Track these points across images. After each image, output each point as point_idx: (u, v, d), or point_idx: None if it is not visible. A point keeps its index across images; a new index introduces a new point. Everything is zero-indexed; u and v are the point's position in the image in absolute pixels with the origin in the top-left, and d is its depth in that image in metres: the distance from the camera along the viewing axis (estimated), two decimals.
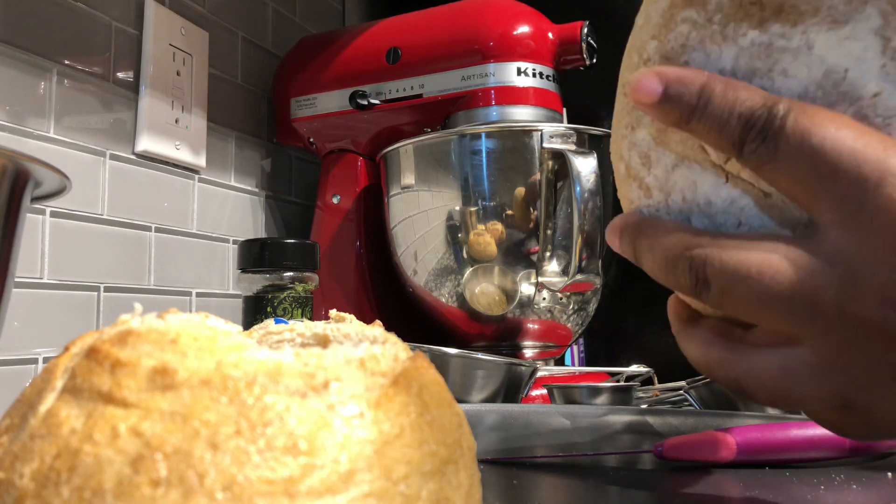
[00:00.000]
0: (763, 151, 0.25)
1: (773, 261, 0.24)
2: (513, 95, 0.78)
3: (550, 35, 0.80)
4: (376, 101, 0.84)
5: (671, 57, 0.27)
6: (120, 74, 0.74)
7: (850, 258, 0.23)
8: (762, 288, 0.24)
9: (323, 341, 0.25)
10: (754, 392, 0.26)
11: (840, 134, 0.23)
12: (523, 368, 0.62)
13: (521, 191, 0.73)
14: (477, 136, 0.75)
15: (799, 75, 0.25)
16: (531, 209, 0.73)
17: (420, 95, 0.82)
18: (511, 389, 0.62)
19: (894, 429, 0.26)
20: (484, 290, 0.76)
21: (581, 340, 0.99)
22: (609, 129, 0.83)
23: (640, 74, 0.27)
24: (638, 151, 0.29)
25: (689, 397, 0.63)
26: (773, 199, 0.26)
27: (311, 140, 0.93)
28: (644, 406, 0.63)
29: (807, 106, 0.24)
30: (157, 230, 0.77)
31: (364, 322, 0.26)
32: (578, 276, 0.67)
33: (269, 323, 0.27)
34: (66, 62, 0.68)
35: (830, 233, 0.24)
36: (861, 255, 0.23)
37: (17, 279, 0.48)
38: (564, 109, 0.83)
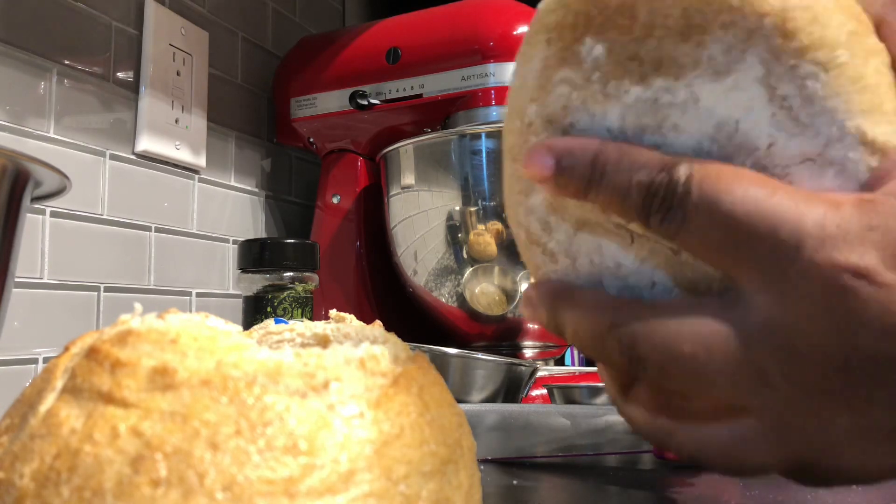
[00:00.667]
0: (670, 222, 0.23)
1: (706, 335, 0.23)
2: None
3: None
4: (376, 101, 0.84)
5: (554, 120, 0.26)
6: (120, 74, 0.74)
7: (785, 326, 0.22)
8: (699, 366, 0.23)
9: (323, 341, 0.25)
10: (709, 462, 0.25)
11: (749, 194, 0.22)
12: (523, 368, 0.62)
13: None
14: (477, 136, 0.75)
15: (690, 129, 0.24)
16: None
17: (420, 95, 0.82)
18: (511, 389, 0.62)
19: (856, 480, 0.25)
20: (484, 290, 0.76)
21: None
22: None
23: (529, 149, 0.26)
24: (536, 217, 0.28)
25: None
26: (684, 257, 0.25)
27: (311, 140, 0.93)
28: None
29: (707, 164, 0.23)
30: (157, 230, 0.77)
31: (364, 322, 0.26)
32: None
33: (269, 323, 0.27)
34: (66, 62, 0.68)
35: (757, 300, 0.22)
36: (794, 324, 0.22)
37: (17, 279, 0.48)
38: None
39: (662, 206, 0.23)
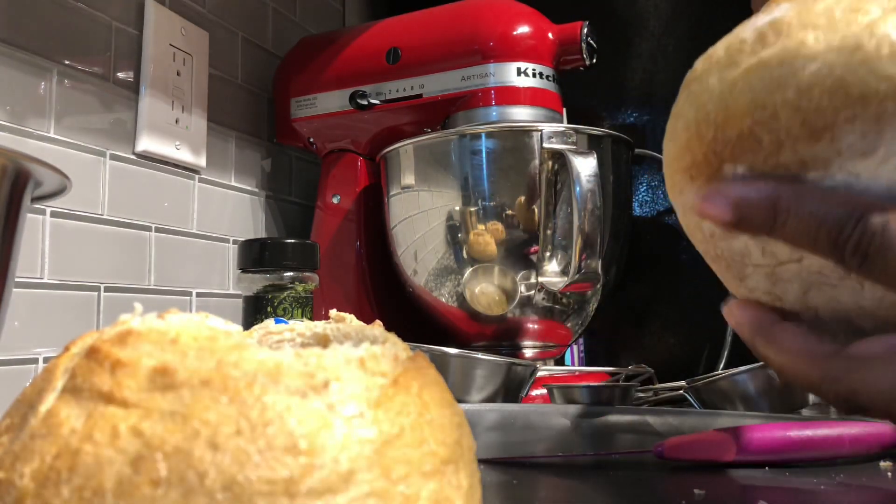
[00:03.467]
0: (867, 266, 0.23)
1: None
2: (513, 95, 0.78)
3: (550, 35, 0.80)
4: (376, 101, 0.84)
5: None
6: (120, 74, 0.74)
7: None
8: None
9: (323, 341, 0.25)
10: (873, 407, 0.25)
11: None
12: (523, 368, 0.62)
13: (521, 191, 0.73)
14: (477, 136, 0.75)
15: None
16: (531, 209, 0.73)
17: (420, 95, 0.82)
18: (511, 389, 0.62)
19: None
20: (484, 290, 0.76)
21: (581, 340, 0.99)
22: (608, 129, 0.83)
23: (703, 193, 0.26)
24: (761, 291, 0.28)
25: (689, 397, 0.63)
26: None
27: (311, 140, 0.93)
28: (644, 406, 0.63)
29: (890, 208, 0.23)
30: (158, 230, 0.77)
31: (364, 322, 0.26)
32: (578, 277, 0.67)
33: (269, 323, 0.27)
34: (66, 62, 0.68)
35: None
36: None
37: (17, 279, 0.48)
38: (564, 109, 0.83)
39: (857, 253, 0.23)
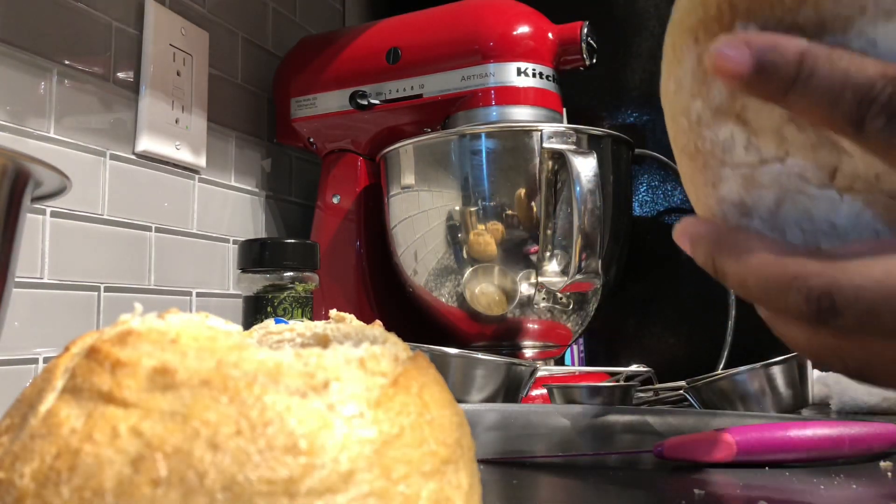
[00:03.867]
0: (890, 129, 0.21)
1: None
2: (513, 95, 0.78)
3: (550, 35, 0.80)
4: (376, 101, 0.84)
5: (723, 109, 0.26)
6: (120, 74, 0.74)
7: None
8: None
9: (323, 341, 0.25)
10: (877, 382, 0.23)
11: None
12: (523, 368, 0.62)
13: (521, 191, 0.73)
14: (477, 136, 0.75)
15: None
16: (531, 209, 0.73)
17: (420, 95, 0.82)
18: (511, 389, 0.62)
19: None
20: (484, 290, 0.76)
21: (581, 340, 0.99)
22: (608, 129, 0.83)
23: (721, 44, 0.24)
24: (730, 202, 0.26)
25: (689, 397, 0.63)
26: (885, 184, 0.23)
27: (311, 140, 0.93)
28: (644, 406, 0.63)
29: None
30: (158, 230, 0.77)
31: (364, 322, 0.26)
32: (578, 276, 0.67)
33: (269, 323, 0.27)
34: (66, 62, 0.68)
35: None
36: None
37: (17, 279, 0.48)
38: (564, 109, 0.83)
39: (884, 111, 0.21)
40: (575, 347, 0.98)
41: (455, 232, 0.76)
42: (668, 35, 0.28)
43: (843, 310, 0.22)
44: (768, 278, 0.24)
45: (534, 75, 0.79)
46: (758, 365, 0.60)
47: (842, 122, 0.22)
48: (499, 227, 0.74)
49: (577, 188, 0.66)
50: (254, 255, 0.60)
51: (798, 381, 0.60)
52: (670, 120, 0.29)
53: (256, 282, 0.60)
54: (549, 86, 0.80)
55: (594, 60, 0.81)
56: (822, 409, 0.68)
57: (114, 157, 0.72)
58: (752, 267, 0.24)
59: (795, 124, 0.25)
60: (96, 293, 0.70)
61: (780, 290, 0.23)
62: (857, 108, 0.22)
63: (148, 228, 0.75)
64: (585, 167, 0.67)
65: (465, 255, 0.76)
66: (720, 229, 0.26)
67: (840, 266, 0.22)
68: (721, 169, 0.27)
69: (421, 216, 0.78)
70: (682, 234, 0.27)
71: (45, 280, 0.65)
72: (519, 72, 0.78)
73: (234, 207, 0.88)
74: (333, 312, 0.27)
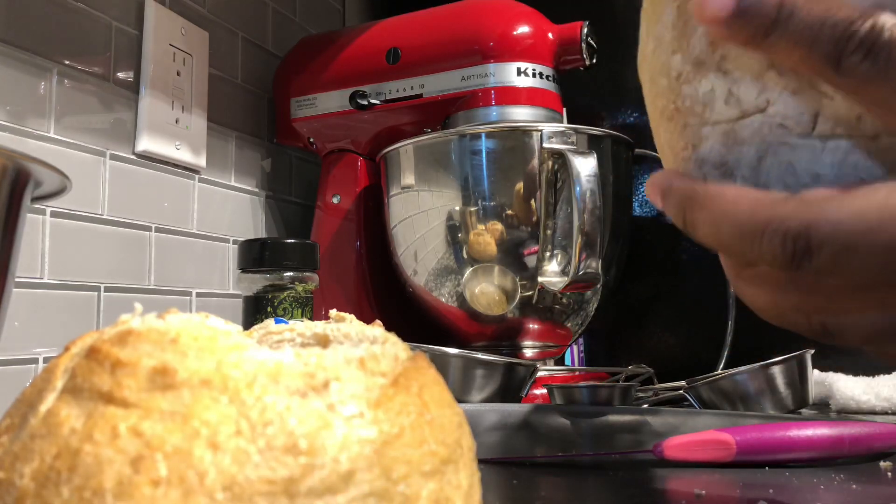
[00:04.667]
0: (867, 65, 0.21)
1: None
2: (513, 95, 0.78)
3: (550, 35, 0.80)
4: (376, 101, 0.84)
5: (703, 60, 0.26)
6: (120, 74, 0.74)
7: None
8: (884, 256, 0.21)
9: (323, 341, 0.25)
10: (848, 343, 0.23)
11: None
12: (523, 368, 0.62)
13: (520, 191, 0.73)
14: (477, 136, 0.75)
15: None
16: (531, 209, 0.73)
17: (420, 95, 0.82)
18: (511, 389, 0.62)
19: None
20: (484, 290, 0.76)
21: (581, 340, 0.99)
22: (608, 129, 0.83)
23: None
24: (711, 163, 0.26)
25: (689, 397, 0.63)
26: (882, 142, 0.23)
27: (311, 140, 0.93)
28: (644, 406, 0.63)
29: None
30: (158, 230, 0.77)
31: (364, 322, 0.26)
32: (578, 276, 0.67)
33: (269, 323, 0.27)
34: (66, 62, 0.68)
35: None
36: None
37: (17, 279, 0.48)
38: (564, 109, 0.83)
39: (860, 48, 0.21)
40: (575, 347, 0.98)
41: (455, 232, 0.76)
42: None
43: (819, 248, 0.22)
44: (743, 223, 0.23)
45: (534, 75, 0.79)
46: (758, 365, 0.60)
47: (821, 61, 0.22)
48: (499, 227, 0.74)
49: (577, 188, 0.66)
50: (254, 255, 0.60)
51: (798, 381, 0.60)
52: (649, 83, 0.28)
53: (256, 282, 0.60)
54: (549, 86, 0.80)
55: (594, 60, 0.81)
56: (822, 409, 0.68)
57: (114, 157, 0.72)
58: (726, 214, 0.24)
59: (776, 70, 0.25)
60: (96, 293, 0.70)
61: (754, 235, 0.23)
62: (834, 46, 0.22)
63: (148, 228, 0.75)
64: (585, 167, 0.67)
65: (464, 255, 0.76)
66: (692, 181, 0.26)
67: (817, 205, 0.22)
68: (701, 128, 0.26)
69: (421, 216, 0.78)
70: (653, 186, 0.27)
71: (45, 280, 0.65)
72: (519, 72, 0.78)
73: (234, 207, 0.88)
74: (333, 312, 0.27)
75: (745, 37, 0.23)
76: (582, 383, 0.62)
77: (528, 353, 0.80)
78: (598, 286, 0.73)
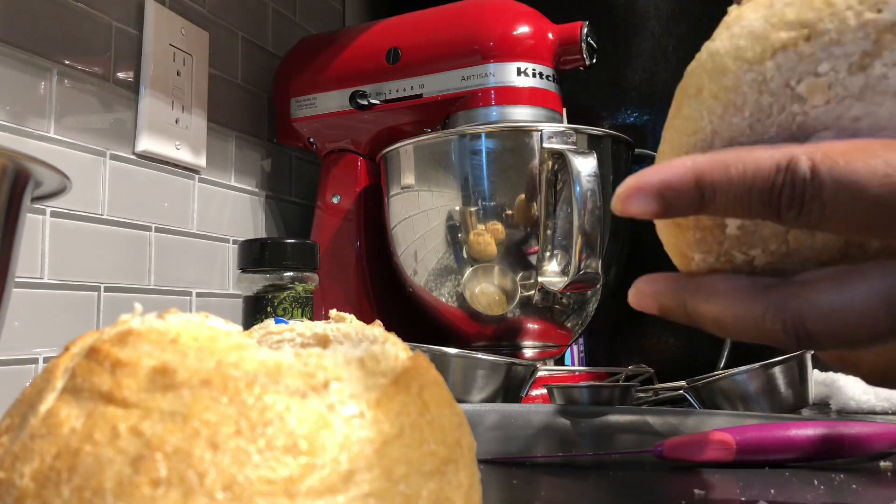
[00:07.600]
0: (809, 216, 0.22)
1: (875, 300, 0.22)
2: (513, 95, 0.78)
3: (550, 35, 0.80)
4: (376, 101, 0.84)
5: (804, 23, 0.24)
6: (120, 74, 0.74)
7: None
8: (873, 330, 0.22)
9: (323, 341, 0.25)
10: (824, 330, 0.23)
11: (872, 164, 0.21)
12: (523, 368, 0.62)
13: (520, 191, 0.73)
14: (477, 136, 0.75)
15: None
16: (531, 209, 0.73)
17: (420, 95, 0.82)
18: (511, 389, 0.62)
19: None
20: (484, 290, 0.76)
21: (581, 340, 0.99)
22: (608, 129, 0.83)
23: (622, 192, 0.24)
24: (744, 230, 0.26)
25: (689, 397, 0.63)
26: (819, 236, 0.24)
27: (311, 140, 0.93)
28: (644, 406, 0.63)
29: (826, 147, 0.22)
30: (157, 230, 0.77)
31: (364, 322, 0.26)
32: (578, 276, 0.67)
33: (269, 323, 0.27)
34: (66, 62, 0.68)
35: None
36: None
37: (17, 279, 0.48)
38: (564, 109, 0.83)
39: (794, 204, 0.22)
40: (575, 347, 0.98)
41: (455, 232, 0.76)
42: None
43: (816, 333, 0.22)
44: (742, 314, 0.24)
45: (534, 75, 0.79)
46: (758, 365, 0.60)
47: (764, 216, 0.23)
48: (499, 226, 0.74)
49: (577, 188, 0.66)
50: (254, 255, 0.60)
51: (798, 381, 0.60)
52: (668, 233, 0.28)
53: (256, 282, 0.60)
54: (548, 86, 0.80)
55: (594, 60, 0.81)
56: (822, 409, 0.68)
57: (114, 157, 0.72)
58: (723, 304, 0.24)
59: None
60: (96, 293, 0.70)
61: (756, 324, 0.23)
62: (768, 207, 0.22)
63: (148, 228, 0.75)
64: (585, 167, 0.67)
65: (464, 255, 0.76)
66: (681, 279, 0.26)
67: (808, 296, 0.23)
68: (724, 230, 0.26)
69: (421, 216, 0.78)
70: (641, 295, 0.27)
71: (45, 280, 0.65)
72: (519, 72, 0.78)
73: (234, 207, 0.88)
74: (333, 312, 0.27)
75: (686, 215, 0.24)
76: (582, 383, 0.62)
77: (528, 353, 0.80)
78: (598, 286, 0.73)
